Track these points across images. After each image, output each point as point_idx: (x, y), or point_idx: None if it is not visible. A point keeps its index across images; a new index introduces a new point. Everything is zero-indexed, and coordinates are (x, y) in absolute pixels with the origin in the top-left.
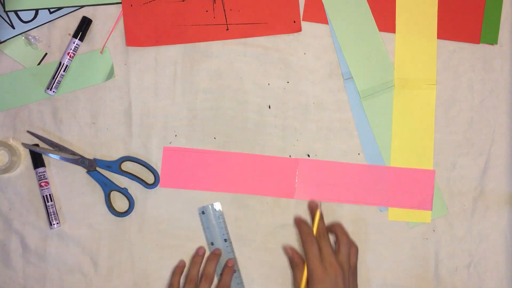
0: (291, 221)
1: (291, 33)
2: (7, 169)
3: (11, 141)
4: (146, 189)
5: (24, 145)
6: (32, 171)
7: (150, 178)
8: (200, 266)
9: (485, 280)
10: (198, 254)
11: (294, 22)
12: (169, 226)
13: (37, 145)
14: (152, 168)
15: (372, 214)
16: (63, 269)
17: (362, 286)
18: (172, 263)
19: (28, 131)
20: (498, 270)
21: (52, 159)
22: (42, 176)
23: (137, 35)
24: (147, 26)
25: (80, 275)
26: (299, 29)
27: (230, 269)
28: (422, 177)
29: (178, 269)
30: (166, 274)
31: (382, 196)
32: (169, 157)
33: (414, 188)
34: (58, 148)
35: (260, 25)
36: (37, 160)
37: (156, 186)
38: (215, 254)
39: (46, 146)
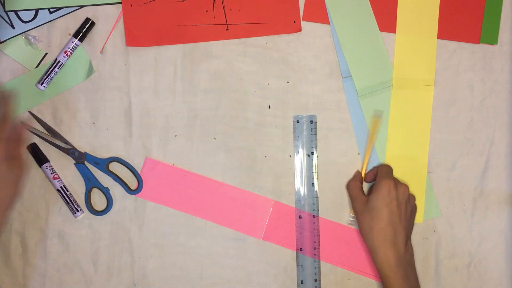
0: None
1: (291, 33)
2: None
3: None
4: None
5: (23, 124)
6: (32, 171)
7: (134, 184)
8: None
9: (485, 280)
10: None
11: (294, 22)
12: (169, 225)
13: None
14: (138, 174)
15: None
16: (63, 269)
17: (362, 286)
18: (172, 262)
19: (29, 112)
20: (498, 270)
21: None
22: (51, 170)
23: (137, 35)
24: (147, 26)
25: (80, 275)
26: (299, 29)
27: (7, 99)
28: None
29: None
30: (166, 274)
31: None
32: (149, 169)
33: None
34: (52, 134)
35: (260, 25)
36: (40, 157)
37: (137, 193)
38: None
39: (43, 130)
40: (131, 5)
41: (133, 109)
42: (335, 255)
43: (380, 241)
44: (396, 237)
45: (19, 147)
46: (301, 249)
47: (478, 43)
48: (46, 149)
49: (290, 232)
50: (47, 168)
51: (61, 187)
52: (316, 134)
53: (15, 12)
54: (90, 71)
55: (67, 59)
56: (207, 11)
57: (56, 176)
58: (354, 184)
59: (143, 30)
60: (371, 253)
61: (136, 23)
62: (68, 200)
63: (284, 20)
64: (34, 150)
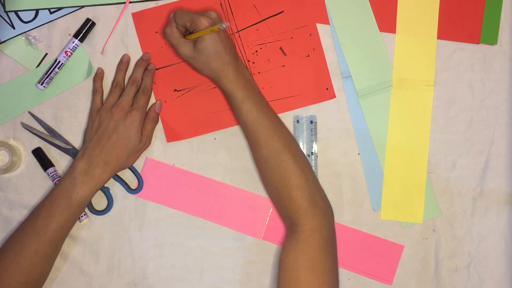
0: None
1: (325, 100)
2: (7, 169)
3: (11, 141)
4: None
5: (22, 124)
6: (33, 171)
7: (134, 183)
8: (125, 73)
9: (485, 280)
10: (122, 61)
11: (327, 89)
12: (169, 225)
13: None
14: (138, 174)
15: (367, 214)
16: (63, 269)
17: (362, 286)
18: (172, 262)
19: (29, 112)
20: (498, 270)
21: (43, 147)
22: (54, 175)
23: (176, 130)
24: (184, 119)
25: (80, 274)
26: (333, 96)
27: (150, 71)
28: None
29: (97, 77)
30: (166, 274)
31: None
32: (150, 169)
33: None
34: (53, 134)
35: (294, 98)
36: (45, 162)
37: (138, 192)
38: (143, 60)
39: (42, 130)
40: (165, 101)
41: None
42: None
43: (220, 69)
44: (231, 59)
45: (154, 122)
46: None
47: (478, 43)
48: (46, 149)
49: None
50: (49, 175)
51: None
52: (316, 134)
53: (16, 12)
54: (90, 71)
55: (67, 59)
56: None
57: (57, 181)
58: (171, 30)
59: (180, 124)
60: (214, 80)
61: (172, 119)
62: None
63: (316, 89)
64: (39, 155)
